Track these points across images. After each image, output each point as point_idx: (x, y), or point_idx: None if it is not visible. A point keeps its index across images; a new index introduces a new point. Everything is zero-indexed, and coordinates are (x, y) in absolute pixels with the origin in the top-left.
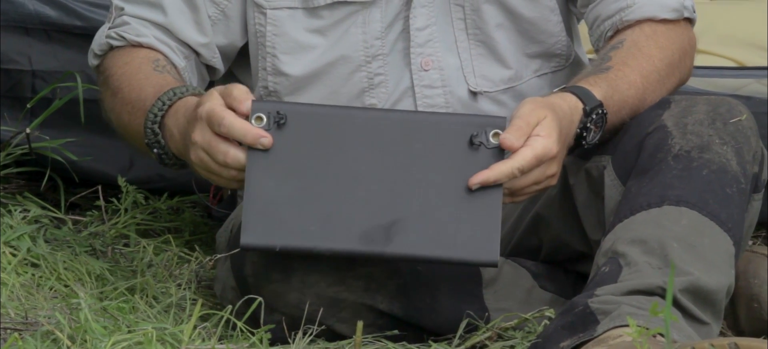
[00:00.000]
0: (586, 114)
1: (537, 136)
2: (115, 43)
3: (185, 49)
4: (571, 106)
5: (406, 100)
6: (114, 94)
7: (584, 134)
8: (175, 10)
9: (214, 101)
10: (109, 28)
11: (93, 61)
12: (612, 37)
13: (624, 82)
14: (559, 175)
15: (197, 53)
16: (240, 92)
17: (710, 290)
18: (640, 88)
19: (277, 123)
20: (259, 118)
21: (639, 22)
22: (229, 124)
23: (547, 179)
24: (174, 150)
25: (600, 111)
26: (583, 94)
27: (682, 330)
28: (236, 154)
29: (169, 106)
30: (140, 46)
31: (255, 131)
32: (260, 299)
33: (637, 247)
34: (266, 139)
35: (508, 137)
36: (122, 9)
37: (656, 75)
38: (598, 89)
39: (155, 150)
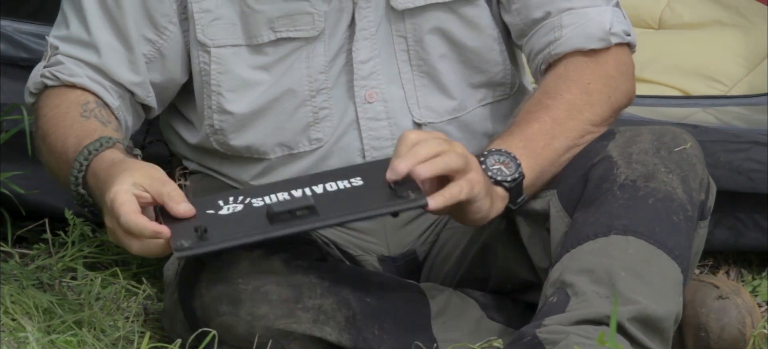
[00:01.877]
0: (482, 162)
1: (442, 154)
2: (49, 82)
3: (119, 88)
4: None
5: (351, 133)
6: (43, 139)
7: (491, 176)
8: (109, 49)
9: (118, 188)
10: (44, 67)
11: (29, 100)
12: (545, 69)
13: (525, 124)
14: (486, 212)
15: (130, 93)
16: (176, 195)
17: (658, 317)
18: (546, 121)
19: (199, 238)
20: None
21: (567, 55)
22: (125, 222)
23: (472, 211)
24: (97, 204)
25: (497, 152)
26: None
27: None
28: (140, 247)
29: (87, 167)
30: (73, 86)
31: (152, 228)
32: (214, 332)
33: (585, 276)
34: (164, 233)
35: (400, 163)
36: (57, 48)
37: (569, 107)
38: (495, 143)
39: (86, 209)
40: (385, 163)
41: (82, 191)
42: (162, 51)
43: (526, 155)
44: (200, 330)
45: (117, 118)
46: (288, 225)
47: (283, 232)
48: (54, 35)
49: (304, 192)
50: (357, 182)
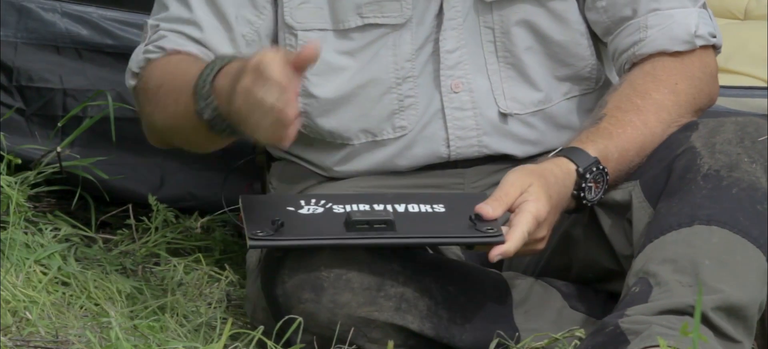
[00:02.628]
0: (581, 175)
1: (526, 201)
2: (153, 56)
3: None
4: (563, 170)
5: (436, 122)
6: (156, 91)
7: (582, 194)
8: (210, 27)
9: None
10: (146, 45)
11: (130, 82)
12: (629, 69)
13: (619, 126)
14: (547, 240)
15: None
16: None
17: (742, 305)
18: (639, 126)
19: (275, 231)
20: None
21: (651, 56)
22: (273, 71)
23: (535, 242)
24: (223, 111)
25: (595, 168)
26: (575, 156)
27: None
28: (277, 98)
29: (220, 69)
30: (179, 53)
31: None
32: (300, 319)
33: (668, 266)
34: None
35: (484, 206)
36: (157, 26)
37: (658, 108)
38: (592, 146)
39: (206, 115)
40: (469, 197)
41: (209, 92)
42: (260, 32)
43: (618, 169)
44: (286, 317)
45: None
46: (364, 235)
47: (357, 241)
48: (154, 18)
49: (385, 207)
50: (439, 208)
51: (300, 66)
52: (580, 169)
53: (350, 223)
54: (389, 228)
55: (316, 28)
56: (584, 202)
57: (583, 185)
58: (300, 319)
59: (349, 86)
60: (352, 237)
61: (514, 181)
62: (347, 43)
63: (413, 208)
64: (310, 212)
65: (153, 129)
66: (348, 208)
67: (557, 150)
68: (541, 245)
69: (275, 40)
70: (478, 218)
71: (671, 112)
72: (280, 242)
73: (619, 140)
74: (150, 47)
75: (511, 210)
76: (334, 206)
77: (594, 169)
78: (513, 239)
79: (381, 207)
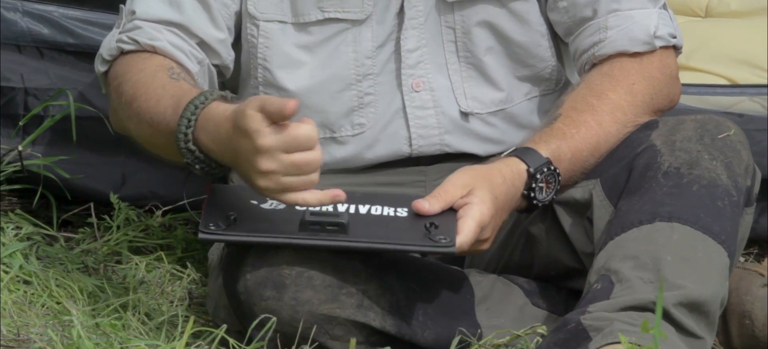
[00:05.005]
0: (531, 175)
1: (470, 204)
2: (126, 46)
3: (198, 53)
4: (513, 170)
5: (397, 121)
6: (130, 103)
7: (533, 195)
8: (190, 7)
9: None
10: (120, 33)
11: (101, 68)
12: (590, 70)
13: (573, 126)
14: (492, 239)
15: (212, 52)
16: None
17: (704, 301)
18: (593, 126)
19: (227, 226)
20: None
21: (611, 56)
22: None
23: (479, 243)
24: (219, 159)
25: (547, 169)
26: (527, 156)
27: (674, 347)
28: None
29: (195, 121)
30: (154, 50)
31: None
32: (274, 318)
33: (629, 263)
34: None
35: (422, 202)
36: (133, 12)
37: (613, 108)
38: (544, 146)
39: (197, 166)
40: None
41: (193, 148)
42: (232, 15)
43: (571, 169)
44: (262, 317)
45: (194, 81)
46: (314, 237)
47: (306, 242)
48: (130, 2)
49: (348, 208)
50: (402, 212)
51: (279, 118)
52: (531, 170)
53: (303, 223)
54: (341, 231)
55: (277, 20)
56: (535, 202)
57: (534, 185)
58: (274, 318)
59: (309, 81)
60: (302, 237)
61: (456, 181)
62: (306, 37)
63: (376, 210)
64: (272, 207)
65: (123, 128)
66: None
67: (510, 150)
68: (486, 246)
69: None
70: (433, 225)
71: (627, 112)
72: (228, 237)
73: (573, 141)
74: (123, 37)
75: (454, 208)
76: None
77: (545, 169)
78: (463, 243)
79: (344, 207)
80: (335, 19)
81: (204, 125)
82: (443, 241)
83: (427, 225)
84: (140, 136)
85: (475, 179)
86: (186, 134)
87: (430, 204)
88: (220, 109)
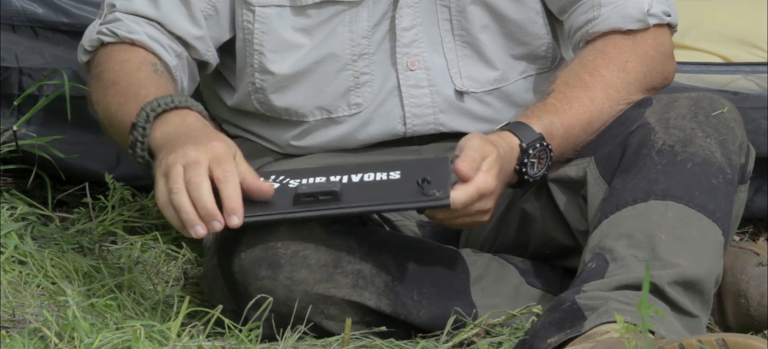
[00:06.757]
0: (523, 151)
1: (479, 171)
2: (106, 39)
3: (177, 46)
4: (508, 144)
5: (392, 100)
6: (107, 87)
7: (524, 170)
8: (168, 4)
9: (196, 158)
10: (101, 25)
11: (83, 57)
12: (583, 47)
13: (566, 102)
14: (492, 212)
15: (190, 48)
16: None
17: (699, 279)
18: (585, 103)
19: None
20: None
21: (604, 34)
22: (203, 204)
23: (479, 214)
24: (153, 147)
25: (539, 144)
26: (520, 131)
27: (669, 325)
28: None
29: (164, 111)
30: (132, 43)
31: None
32: (270, 299)
33: (624, 241)
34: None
35: (464, 165)
36: (114, 5)
37: (606, 85)
38: (537, 121)
39: (134, 134)
40: (427, 162)
41: (146, 127)
42: (217, 7)
43: (563, 145)
44: (258, 296)
45: (175, 80)
46: (309, 208)
47: (303, 214)
48: None
49: (341, 179)
50: (395, 175)
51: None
52: (524, 145)
53: (297, 196)
54: (334, 199)
55: (274, 4)
56: (526, 177)
57: (526, 160)
58: (270, 298)
59: (305, 63)
60: (297, 211)
61: (480, 145)
62: (304, 20)
63: (368, 177)
64: None
65: (95, 114)
66: (304, 181)
67: (503, 124)
68: (486, 217)
69: (232, 15)
70: (426, 181)
71: (620, 89)
72: None
73: (565, 116)
74: (103, 29)
75: (446, 162)
76: (291, 181)
77: (538, 145)
78: (457, 199)
79: (337, 178)
80: (332, 1)
81: (164, 122)
82: (437, 194)
83: (420, 181)
84: (105, 115)
85: (491, 147)
86: (154, 109)
87: (469, 168)
88: (191, 117)
